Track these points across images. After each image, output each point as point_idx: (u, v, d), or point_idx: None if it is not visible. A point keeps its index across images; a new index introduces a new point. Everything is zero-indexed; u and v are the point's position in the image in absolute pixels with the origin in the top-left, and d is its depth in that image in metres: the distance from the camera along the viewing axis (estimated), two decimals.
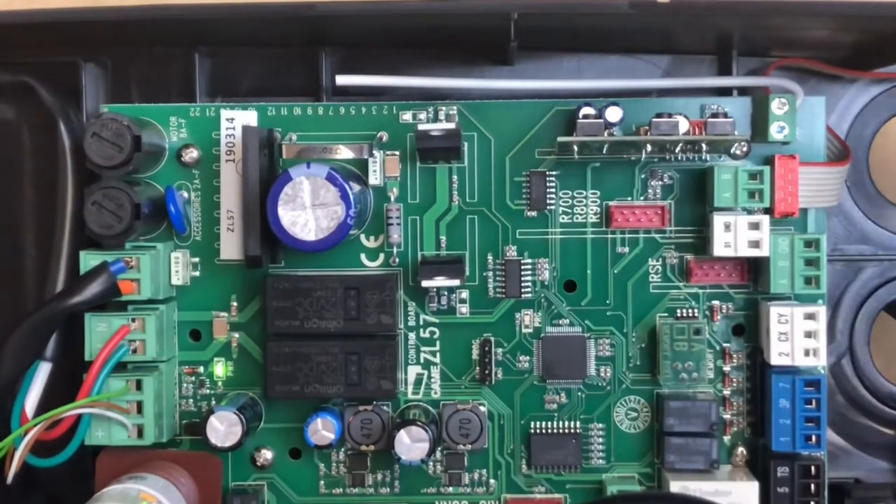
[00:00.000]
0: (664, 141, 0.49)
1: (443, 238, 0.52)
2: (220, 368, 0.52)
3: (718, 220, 0.49)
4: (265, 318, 0.50)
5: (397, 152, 0.51)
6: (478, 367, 0.52)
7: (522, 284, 0.51)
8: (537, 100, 0.51)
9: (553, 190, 0.51)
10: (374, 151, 0.51)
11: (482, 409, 0.51)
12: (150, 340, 0.49)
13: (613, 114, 0.50)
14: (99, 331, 0.48)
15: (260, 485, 0.52)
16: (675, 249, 0.52)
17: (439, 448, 0.52)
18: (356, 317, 0.50)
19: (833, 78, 0.56)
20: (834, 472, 0.54)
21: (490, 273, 0.52)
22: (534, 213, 0.51)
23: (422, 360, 0.52)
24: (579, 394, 0.52)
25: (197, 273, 0.52)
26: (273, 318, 0.50)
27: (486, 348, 0.52)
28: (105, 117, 0.48)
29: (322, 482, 0.52)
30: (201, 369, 0.52)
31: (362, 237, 0.51)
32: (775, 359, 0.49)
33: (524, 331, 0.52)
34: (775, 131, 0.49)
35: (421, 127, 0.49)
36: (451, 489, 0.52)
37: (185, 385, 0.52)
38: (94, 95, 0.54)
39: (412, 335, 0.52)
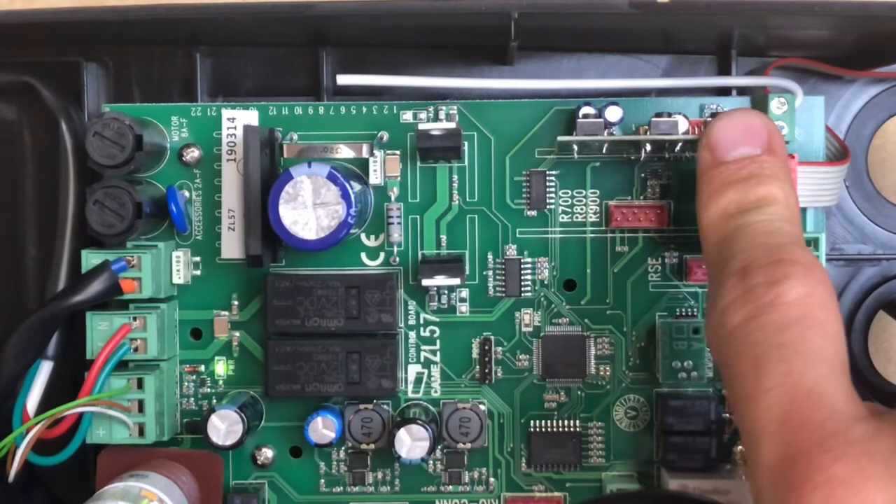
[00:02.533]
0: (663, 140, 0.49)
1: (443, 237, 0.52)
2: (221, 367, 0.52)
3: None
4: (266, 317, 0.50)
5: (398, 152, 0.51)
6: (478, 366, 0.52)
7: (522, 283, 0.52)
8: (537, 99, 0.51)
9: (553, 189, 0.51)
10: (375, 151, 0.51)
11: (482, 407, 0.51)
12: (151, 339, 0.49)
13: (613, 113, 0.50)
14: (100, 329, 0.49)
15: (261, 483, 0.52)
16: (675, 248, 0.52)
17: (439, 447, 0.52)
18: (357, 315, 0.50)
19: (832, 78, 0.56)
20: None
21: (490, 272, 0.52)
22: (533, 213, 0.52)
23: (422, 359, 0.52)
24: (579, 392, 0.52)
25: (198, 272, 0.52)
26: (274, 317, 0.50)
27: (486, 347, 0.52)
28: (107, 117, 0.48)
29: (322, 481, 0.53)
30: (202, 368, 0.52)
31: (363, 236, 0.52)
32: None
33: (524, 330, 0.52)
34: None
35: (421, 126, 0.49)
36: (451, 488, 0.52)
37: (186, 384, 0.52)
38: (96, 95, 0.54)
39: (412, 334, 0.52)
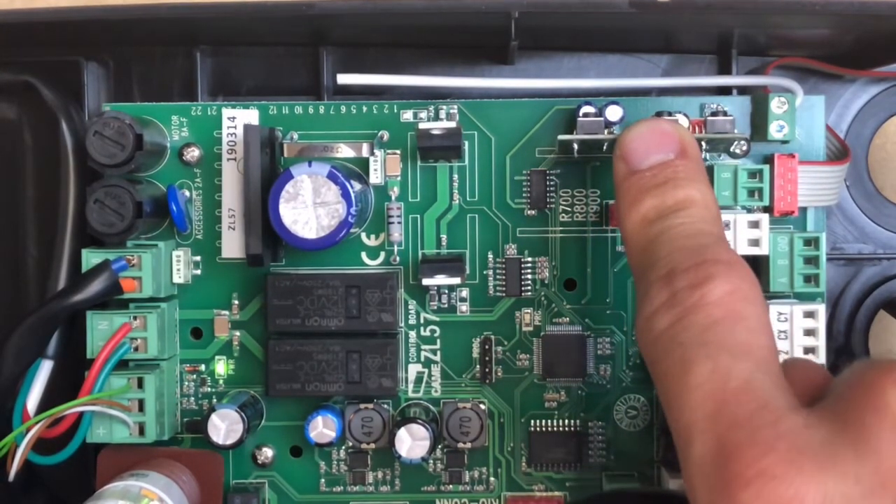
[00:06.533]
0: None
1: (443, 236, 0.52)
2: (222, 366, 0.52)
3: None
4: (266, 317, 0.50)
5: (398, 151, 0.51)
6: (478, 366, 0.52)
7: (522, 283, 0.52)
8: (538, 99, 0.51)
9: (553, 189, 0.51)
10: (375, 150, 0.51)
11: (482, 407, 0.51)
12: (151, 338, 0.49)
13: (614, 113, 0.50)
14: (100, 329, 0.49)
15: (261, 483, 0.52)
16: None
17: (440, 446, 0.52)
18: (357, 315, 0.50)
19: (832, 77, 0.56)
20: None
21: (490, 271, 0.52)
22: (534, 212, 0.52)
23: (422, 359, 0.52)
24: (579, 392, 0.52)
25: (198, 271, 0.52)
26: (274, 317, 0.50)
27: (487, 346, 0.52)
28: (107, 116, 0.48)
29: (323, 480, 0.53)
30: (202, 367, 0.52)
31: (363, 235, 0.52)
32: None
33: (524, 329, 0.52)
34: (775, 130, 0.50)
35: (422, 126, 0.49)
36: (451, 487, 0.52)
37: (186, 383, 0.52)
38: (96, 94, 0.54)
39: (413, 333, 0.52)
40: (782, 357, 0.48)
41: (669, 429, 0.36)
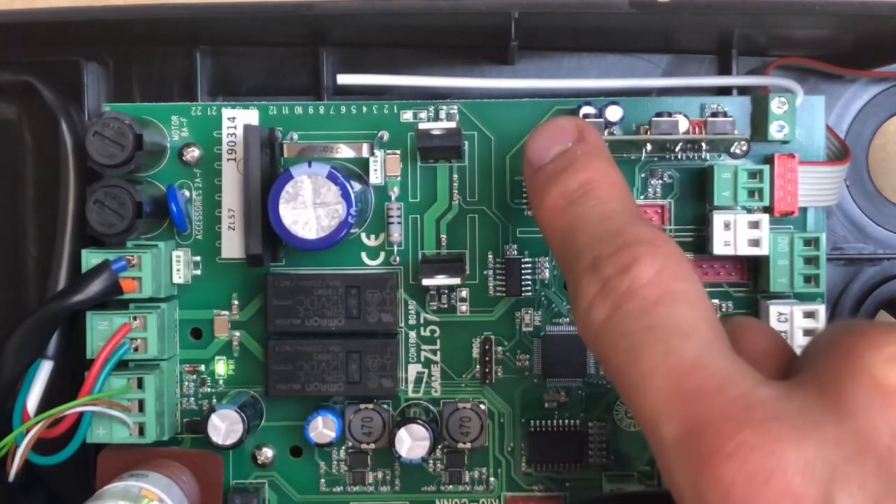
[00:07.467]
0: (664, 140, 0.49)
1: (443, 237, 0.52)
2: (222, 367, 0.52)
3: (718, 219, 0.49)
4: (266, 317, 0.50)
5: (398, 151, 0.51)
6: (478, 366, 0.52)
7: (523, 283, 0.52)
8: (538, 99, 0.51)
9: None
10: (375, 150, 0.51)
11: (482, 407, 0.51)
12: (151, 339, 0.49)
13: (614, 113, 0.50)
14: (100, 329, 0.49)
15: (261, 483, 0.52)
16: None
17: (440, 446, 0.52)
18: (357, 315, 0.50)
19: (833, 77, 0.56)
20: None
21: (490, 272, 0.52)
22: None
23: (422, 359, 0.52)
24: (579, 392, 0.52)
25: (198, 272, 0.52)
26: (274, 317, 0.50)
27: (487, 347, 0.52)
28: (107, 116, 0.48)
29: (322, 480, 0.53)
30: (202, 367, 0.52)
31: (363, 236, 0.52)
32: None
33: (524, 329, 0.52)
34: (775, 130, 0.49)
35: (422, 126, 0.49)
36: (451, 487, 0.52)
37: (186, 383, 0.52)
38: (96, 94, 0.54)
39: (413, 334, 0.52)
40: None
41: (638, 425, 0.35)
